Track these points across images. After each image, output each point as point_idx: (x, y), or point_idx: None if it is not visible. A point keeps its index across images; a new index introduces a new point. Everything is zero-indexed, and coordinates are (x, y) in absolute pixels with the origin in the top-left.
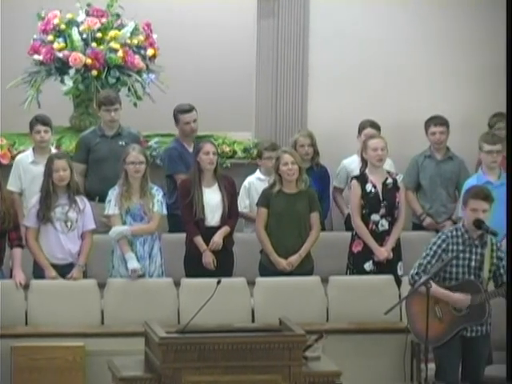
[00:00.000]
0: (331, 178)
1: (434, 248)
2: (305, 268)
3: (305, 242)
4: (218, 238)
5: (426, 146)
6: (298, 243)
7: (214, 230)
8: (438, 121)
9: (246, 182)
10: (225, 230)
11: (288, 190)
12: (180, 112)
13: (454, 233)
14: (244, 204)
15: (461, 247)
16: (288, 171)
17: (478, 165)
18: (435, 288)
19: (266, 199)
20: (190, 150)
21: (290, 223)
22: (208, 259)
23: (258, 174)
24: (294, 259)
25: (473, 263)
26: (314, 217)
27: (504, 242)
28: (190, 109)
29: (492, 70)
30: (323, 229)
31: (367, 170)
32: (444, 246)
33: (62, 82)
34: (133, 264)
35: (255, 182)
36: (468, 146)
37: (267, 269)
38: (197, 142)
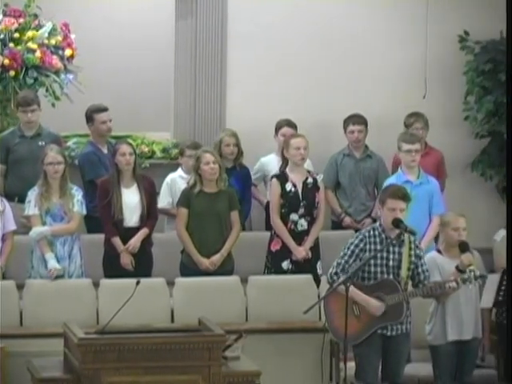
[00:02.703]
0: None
1: (352, 248)
2: (226, 267)
3: (226, 240)
4: (134, 241)
5: (345, 145)
6: (220, 242)
7: (133, 230)
8: (356, 119)
9: (168, 179)
10: (143, 232)
11: (208, 189)
12: (95, 111)
13: (371, 232)
14: (167, 201)
15: (378, 246)
16: (210, 170)
17: (394, 164)
18: (353, 290)
19: (186, 199)
20: (105, 151)
21: (211, 223)
22: (126, 260)
23: (180, 171)
24: (217, 259)
25: (391, 262)
26: (234, 215)
27: (424, 241)
28: (105, 108)
29: (410, 69)
30: (243, 229)
31: (287, 169)
32: (361, 245)
33: None
34: (53, 265)
35: (178, 180)
36: (386, 144)
37: (188, 268)
38: (114, 143)
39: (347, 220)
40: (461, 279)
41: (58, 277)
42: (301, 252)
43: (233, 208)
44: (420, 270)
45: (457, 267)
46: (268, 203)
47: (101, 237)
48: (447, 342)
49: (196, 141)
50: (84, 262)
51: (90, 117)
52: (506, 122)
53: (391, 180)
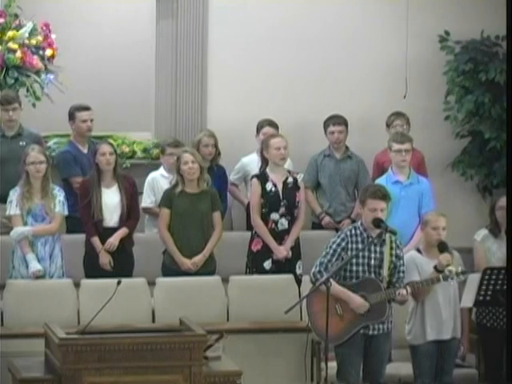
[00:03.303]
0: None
1: (334, 246)
2: (208, 268)
3: (208, 241)
4: (113, 240)
5: (325, 146)
6: (202, 243)
7: (113, 230)
8: (336, 120)
9: (149, 177)
10: (122, 231)
11: (190, 189)
12: (78, 109)
13: (353, 231)
14: (150, 200)
15: (360, 246)
16: (189, 170)
17: (375, 165)
18: (337, 287)
19: (168, 200)
20: (85, 151)
21: (193, 223)
22: (104, 260)
23: (161, 170)
24: (199, 259)
25: (372, 261)
26: (216, 216)
27: (412, 241)
28: (88, 107)
29: (390, 69)
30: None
31: (268, 169)
32: (343, 244)
33: None
34: (34, 266)
35: (159, 178)
36: (367, 145)
37: (171, 269)
38: (95, 143)
39: (327, 219)
40: (442, 276)
41: (38, 277)
42: (281, 251)
43: (215, 209)
44: (396, 270)
45: (435, 267)
46: (249, 203)
47: (81, 237)
48: (426, 341)
49: (177, 139)
50: (65, 262)
51: (72, 114)
52: (506, 122)
53: (381, 180)
